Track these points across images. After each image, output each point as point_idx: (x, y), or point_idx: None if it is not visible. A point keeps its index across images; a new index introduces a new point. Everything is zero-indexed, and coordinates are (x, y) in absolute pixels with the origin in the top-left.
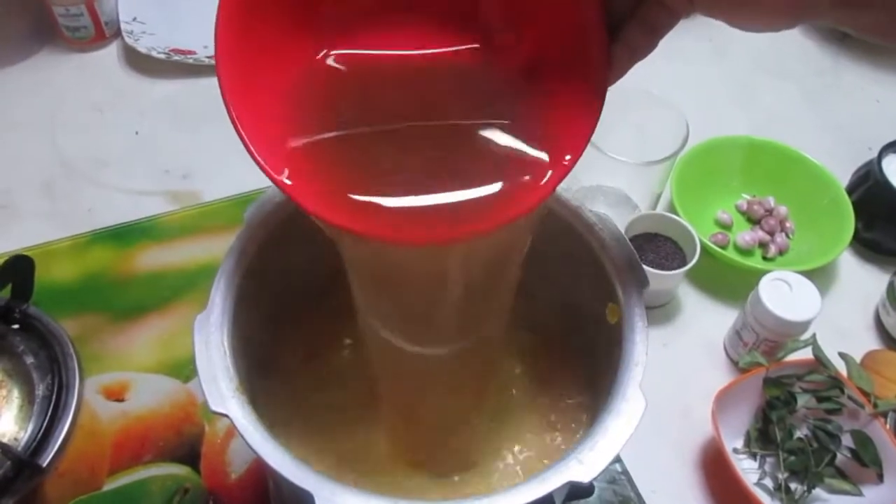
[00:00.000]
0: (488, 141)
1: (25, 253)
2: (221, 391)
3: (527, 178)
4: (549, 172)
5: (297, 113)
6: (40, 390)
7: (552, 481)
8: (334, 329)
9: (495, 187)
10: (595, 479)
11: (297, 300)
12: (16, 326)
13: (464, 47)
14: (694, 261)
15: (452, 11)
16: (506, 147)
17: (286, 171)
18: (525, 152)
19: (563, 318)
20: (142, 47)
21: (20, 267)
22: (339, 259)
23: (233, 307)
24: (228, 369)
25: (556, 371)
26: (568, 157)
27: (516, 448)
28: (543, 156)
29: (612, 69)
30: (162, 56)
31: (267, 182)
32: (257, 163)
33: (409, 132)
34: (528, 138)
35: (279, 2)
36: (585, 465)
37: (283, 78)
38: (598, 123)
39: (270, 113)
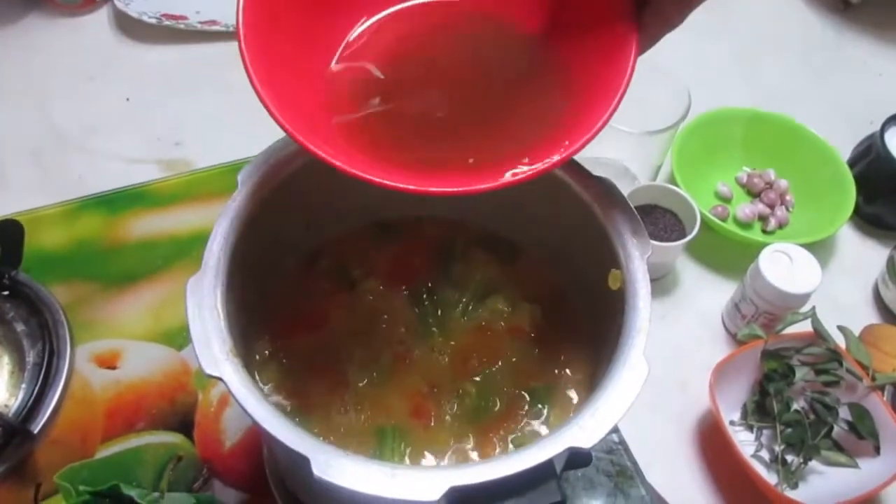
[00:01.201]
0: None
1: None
2: (215, 354)
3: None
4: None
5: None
6: (31, 357)
7: (552, 447)
8: (329, 290)
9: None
10: (595, 446)
11: (291, 262)
12: (5, 293)
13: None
14: (694, 233)
15: None
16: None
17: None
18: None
19: (564, 284)
20: (133, 12)
21: (9, 232)
22: (331, 221)
23: (226, 270)
24: (222, 332)
25: (558, 338)
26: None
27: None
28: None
29: (643, 38)
30: (153, 21)
31: (259, 148)
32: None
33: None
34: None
35: None
36: (586, 431)
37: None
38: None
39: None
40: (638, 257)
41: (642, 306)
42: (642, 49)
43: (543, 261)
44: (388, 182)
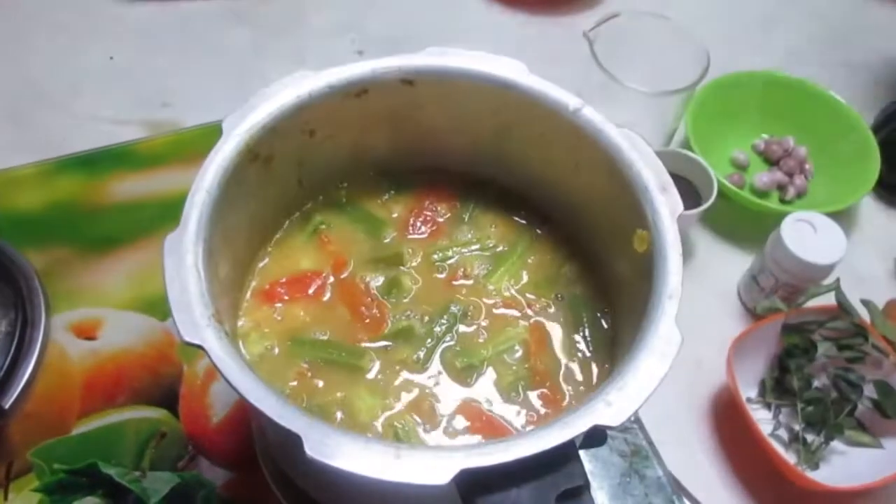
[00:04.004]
0: None
1: None
2: (195, 319)
3: None
4: None
5: None
6: (2, 327)
7: (577, 425)
8: (317, 249)
9: None
10: (623, 423)
11: (278, 217)
12: None
13: None
14: (710, 201)
15: None
16: None
17: None
18: None
19: (585, 247)
20: None
21: None
22: (328, 176)
23: (208, 226)
24: (203, 295)
25: (580, 306)
26: None
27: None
28: None
29: None
30: None
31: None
32: None
33: None
34: None
35: None
36: (614, 407)
37: None
38: (612, 48)
39: None
40: (667, 216)
41: (673, 269)
42: None
43: (560, 219)
44: None
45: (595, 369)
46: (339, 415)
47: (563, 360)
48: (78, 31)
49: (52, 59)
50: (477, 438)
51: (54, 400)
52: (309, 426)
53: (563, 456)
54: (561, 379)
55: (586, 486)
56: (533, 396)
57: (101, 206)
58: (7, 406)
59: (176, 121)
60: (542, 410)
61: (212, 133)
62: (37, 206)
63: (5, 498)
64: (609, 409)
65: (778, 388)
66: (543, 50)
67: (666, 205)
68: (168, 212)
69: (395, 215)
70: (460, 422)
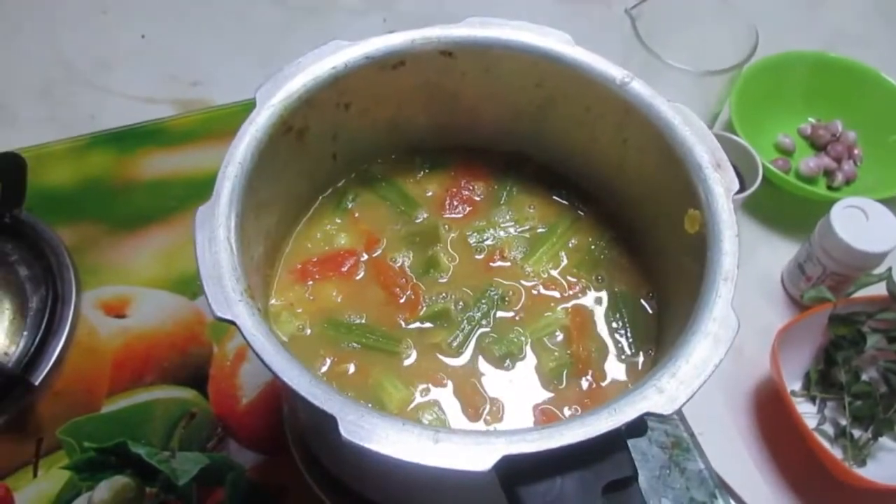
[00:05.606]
0: None
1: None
2: (228, 294)
3: None
4: None
5: None
6: (34, 303)
7: (626, 412)
8: (350, 227)
9: None
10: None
11: (311, 193)
12: (7, 234)
13: None
14: (755, 186)
15: None
16: None
17: None
18: None
19: (629, 227)
20: None
21: (10, 166)
22: (357, 143)
23: (241, 199)
24: (236, 269)
25: (624, 289)
26: None
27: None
28: None
29: None
30: None
31: None
32: None
33: None
34: None
35: None
36: (666, 394)
37: None
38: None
39: None
40: (721, 194)
41: (729, 250)
42: None
43: (607, 201)
44: None
45: (641, 356)
46: (370, 400)
47: (607, 346)
48: (111, 8)
49: (85, 36)
50: (519, 426)
51: (84, 377)
52: (344, 407)
53: (611, 444)
54: (605, 365)
55: (634, 476)
56: (576, 384)
57: (132, 182)
58: (37, 382)
59: (206, 99)
60: (586, 399)
61: (241, 112)
62: (67, 183)
63: (35, 475)
64: (661, 395)
65: (824, 381)
66: (583, 27)
67: (720, 183)
68: (197, 190)
69: (429, 194)
70: (500, 409)
